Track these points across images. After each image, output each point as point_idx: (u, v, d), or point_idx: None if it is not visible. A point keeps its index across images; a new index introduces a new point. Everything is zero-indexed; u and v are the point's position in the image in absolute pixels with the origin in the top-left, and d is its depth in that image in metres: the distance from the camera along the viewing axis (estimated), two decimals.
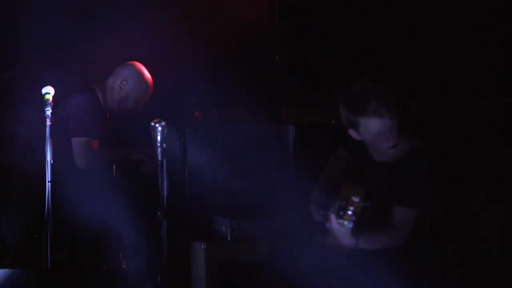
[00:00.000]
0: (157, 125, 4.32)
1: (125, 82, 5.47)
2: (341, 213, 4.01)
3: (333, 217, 4.06)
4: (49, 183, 4.43)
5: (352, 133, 4.37)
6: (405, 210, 4.31)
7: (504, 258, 5.20)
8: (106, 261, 5.33)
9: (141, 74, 5.49)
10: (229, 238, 5.09)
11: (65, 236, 5.17)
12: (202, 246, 5.03)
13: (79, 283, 4.32)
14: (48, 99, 4.59)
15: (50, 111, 4.55)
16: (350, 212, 3.98)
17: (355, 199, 3.96)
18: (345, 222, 4.00)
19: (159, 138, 4.32)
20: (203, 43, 6.27)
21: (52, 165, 4.48)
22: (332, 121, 5.86)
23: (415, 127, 5.89)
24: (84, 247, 5.31)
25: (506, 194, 5.38)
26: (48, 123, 4.50)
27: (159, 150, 4.31)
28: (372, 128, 4.28)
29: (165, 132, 4.33)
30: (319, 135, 5.82)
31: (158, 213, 4.34)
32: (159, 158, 4.31)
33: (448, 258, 4.43)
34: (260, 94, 6.27)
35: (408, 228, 4.31)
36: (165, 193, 4.32)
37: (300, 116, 6.39)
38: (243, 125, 5.77)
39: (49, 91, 4.62)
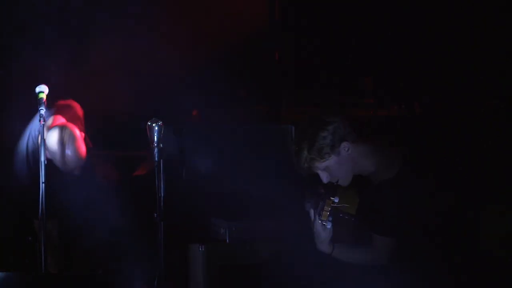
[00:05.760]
0: (153, 124, 4.28)
1: None
2: (321, 212, 4.09)
3: (315, 216, 4.13)
4: (43, 184, 4.35)
5: None
6: (381, 237, 4.22)
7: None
8: (102, 264, 5.27)
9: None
10: (227, 240, 5.04)
11: (60, 239, 5.12)
12: (201, 249, 5.01)
13: (74, 287, 4.27)
14: (42, 98, 4.50)
15: (44, 110, 4.46)
16: (327, 212, 4.06)
17: (335, 199, 4.04)
18: (324, 222, 4.08)
19: (155, 138, 4.27)
20: (202, 41, 6.23)
21: (46, 165, 4.39)
22: None
23: (419, 127, 5.85)
24: (79, 250, 5.26)
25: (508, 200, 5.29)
26: (42, 122, 4.42)
27: (156, 150, 4.27)
28: None
29: (162, 132, 4.28)
30: None
31: (155, 214, 4.30)
32: (156, 158, 4.28)
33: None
34: (259, 93, 6.24)
35: (384, 254, 4.22)
36: (162, 195, 4.29)
37: (300, 115, 6.35)
38: (243, 125, 5.71)
39: (43, 90, 4.54)
